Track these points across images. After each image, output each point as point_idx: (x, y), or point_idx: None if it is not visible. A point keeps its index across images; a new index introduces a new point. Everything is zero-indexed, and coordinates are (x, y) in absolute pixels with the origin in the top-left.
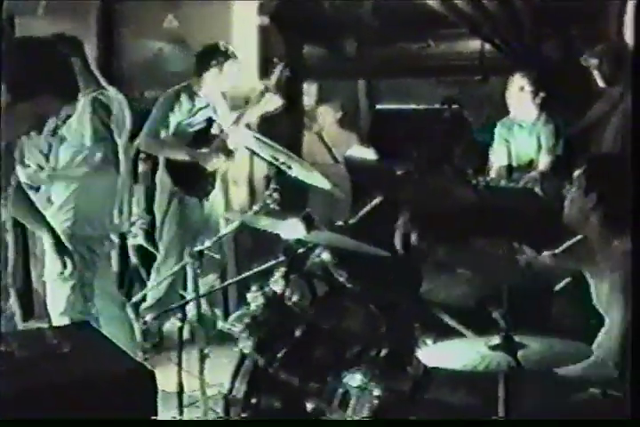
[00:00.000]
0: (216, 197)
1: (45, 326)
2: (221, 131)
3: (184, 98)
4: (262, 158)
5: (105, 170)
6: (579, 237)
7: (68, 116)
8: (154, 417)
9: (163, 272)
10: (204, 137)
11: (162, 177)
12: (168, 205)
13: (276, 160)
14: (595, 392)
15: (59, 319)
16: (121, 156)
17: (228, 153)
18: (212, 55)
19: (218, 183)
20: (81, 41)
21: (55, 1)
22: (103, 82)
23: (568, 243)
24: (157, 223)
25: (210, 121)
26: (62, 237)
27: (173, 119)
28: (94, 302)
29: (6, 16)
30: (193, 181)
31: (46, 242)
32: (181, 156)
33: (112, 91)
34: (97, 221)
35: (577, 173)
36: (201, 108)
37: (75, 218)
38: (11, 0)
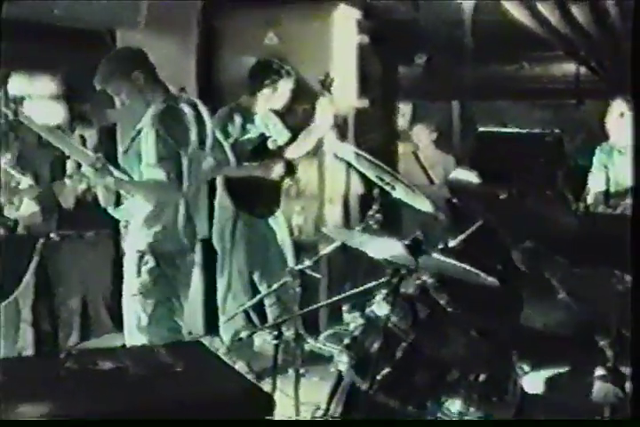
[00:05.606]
0: (280, 215)
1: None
2: (278, 147)
3: (237, 117)
4: (364, 176)
5: (169, 190)
6: None
7: (139, 132)
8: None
9: (231, 300)
10: (261, 154)
11: (221, 199)
12: (234, 228)
13: (381, 180)
14: None
15: (137, 337)
16: (185, 172)
17: (290, 167)
18: (266, 74)
19: (283, 199)
20: (145, 53)
21: (156, 14)
22: (173, 91)
23: None
24: (221, 248)
25: (264, 138)
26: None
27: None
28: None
29: (107, 28)
30: (256, 199)
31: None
32: (243, 172)
33: (184, 103)
34: (175, 238)
35: None
36: (253, 126)
37: (155, 235)
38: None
